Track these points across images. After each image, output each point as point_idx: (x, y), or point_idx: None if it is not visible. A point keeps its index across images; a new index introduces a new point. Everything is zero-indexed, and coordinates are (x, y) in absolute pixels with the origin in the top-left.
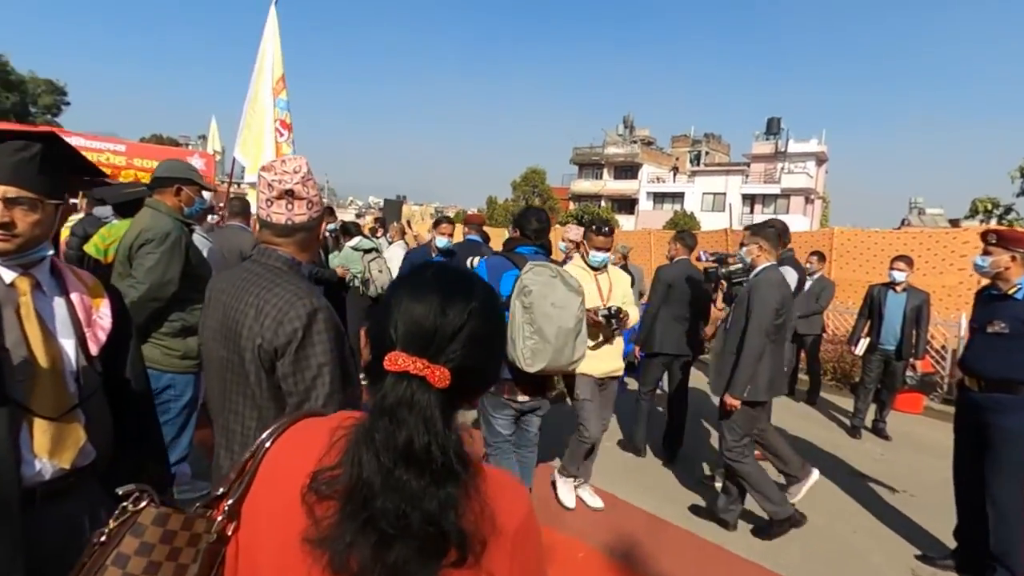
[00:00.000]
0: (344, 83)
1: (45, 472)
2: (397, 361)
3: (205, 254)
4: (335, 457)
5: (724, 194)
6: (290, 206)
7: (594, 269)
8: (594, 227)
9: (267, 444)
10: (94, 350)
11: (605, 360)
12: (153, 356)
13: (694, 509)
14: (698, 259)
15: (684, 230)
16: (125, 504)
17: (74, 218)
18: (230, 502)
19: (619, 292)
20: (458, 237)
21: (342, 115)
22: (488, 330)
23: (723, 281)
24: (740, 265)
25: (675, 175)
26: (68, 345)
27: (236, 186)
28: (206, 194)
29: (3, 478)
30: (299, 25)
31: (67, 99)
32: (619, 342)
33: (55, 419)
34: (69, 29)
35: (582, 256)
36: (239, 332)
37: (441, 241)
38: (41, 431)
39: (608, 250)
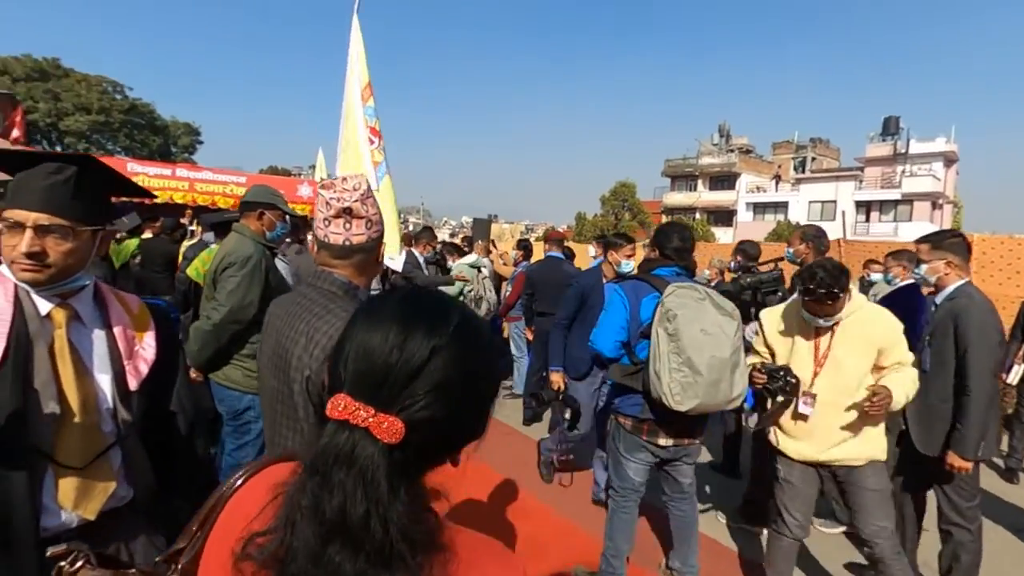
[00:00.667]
0: (437, 108)
1: (70, 523)
2: (339, 406)
3: (288, 278)
4: (269, 518)
5: (834, 202)
6: (348, 225)
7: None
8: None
9: (232, 490)
10: (133, 384)
11: (823, 441)
12: (235, 377)
13: None
14: (729, 269)
15: (745, 240)
16: (61, 564)
17: (187, 244)
18: (184, 560)
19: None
20: (539, 254)
21: (436, 137)
22: (462, 372)
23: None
24: (769, 273)
25: (777, 184)
26: (104, 381)
27: None
28: (289, 218)
29: (19, 533)
30: (392, 52)
31: (201, 138)
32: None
33: (81, 468)
34: (205, 76)
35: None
36: (289, 361)
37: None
38: (66, 481)
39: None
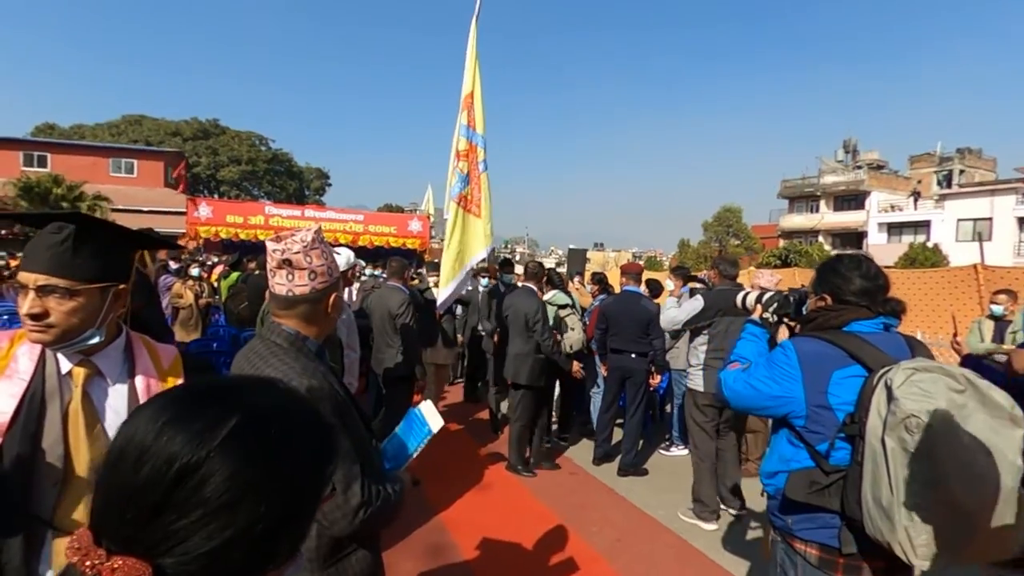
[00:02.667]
0: (542, 137)
1: None
2: (73, 546)
3: (345, 316)
4: None
5: (990, 219)
6: (290, 276)
7: None
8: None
9: None
10: None
11: None
12: None
13: None
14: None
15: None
16: None
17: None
18: None
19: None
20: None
21: (541, 167)
22: (236, 494)
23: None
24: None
25: (916, 201)
26: None
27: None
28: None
29: None
30: (502, 88)
31: (329, 181)
32: None
33: None
34: (334, 123)
35: None
36: None
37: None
38: (63, 543)
39: None
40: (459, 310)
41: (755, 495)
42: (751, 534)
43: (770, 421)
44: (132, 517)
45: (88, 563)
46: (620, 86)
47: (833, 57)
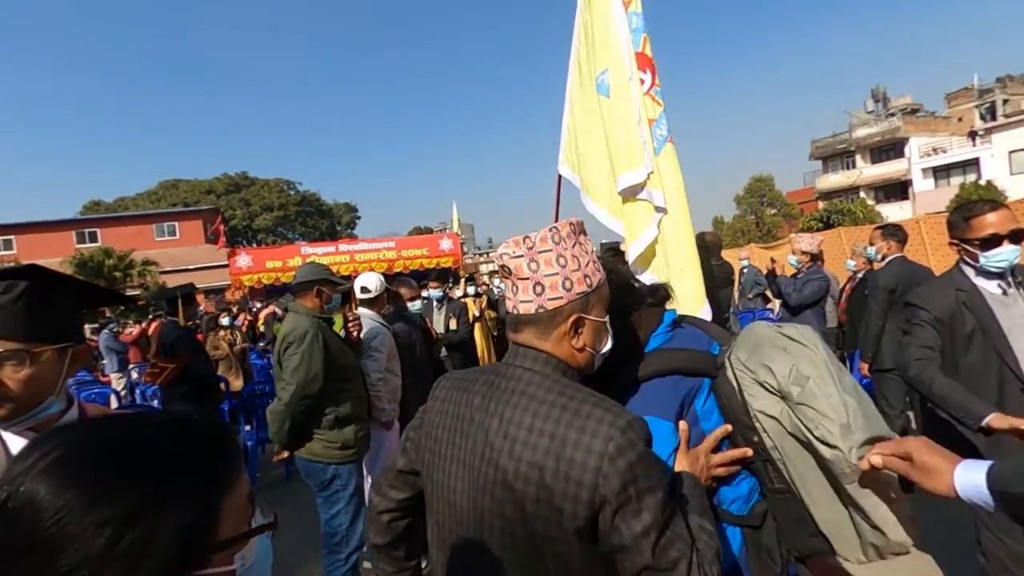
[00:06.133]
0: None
1: None
2: None
3: (380, 340)
4: None
5: None
6: (514, 289)
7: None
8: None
9: None
10: None
11: None
12: (316, 450)
13: None
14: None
15: (890, 223)
16: None
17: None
18: None
19: None
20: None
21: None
22: (51, 517)
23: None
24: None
25: (975, 139)
26: None
27: (477, 256)
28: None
29: None
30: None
31: (358, 214)
32: None
33: None
34: (356, 155)
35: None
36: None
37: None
38: None
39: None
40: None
41: None
42: None
43: None
44: None
45: None
46: None
47: (844, 3)
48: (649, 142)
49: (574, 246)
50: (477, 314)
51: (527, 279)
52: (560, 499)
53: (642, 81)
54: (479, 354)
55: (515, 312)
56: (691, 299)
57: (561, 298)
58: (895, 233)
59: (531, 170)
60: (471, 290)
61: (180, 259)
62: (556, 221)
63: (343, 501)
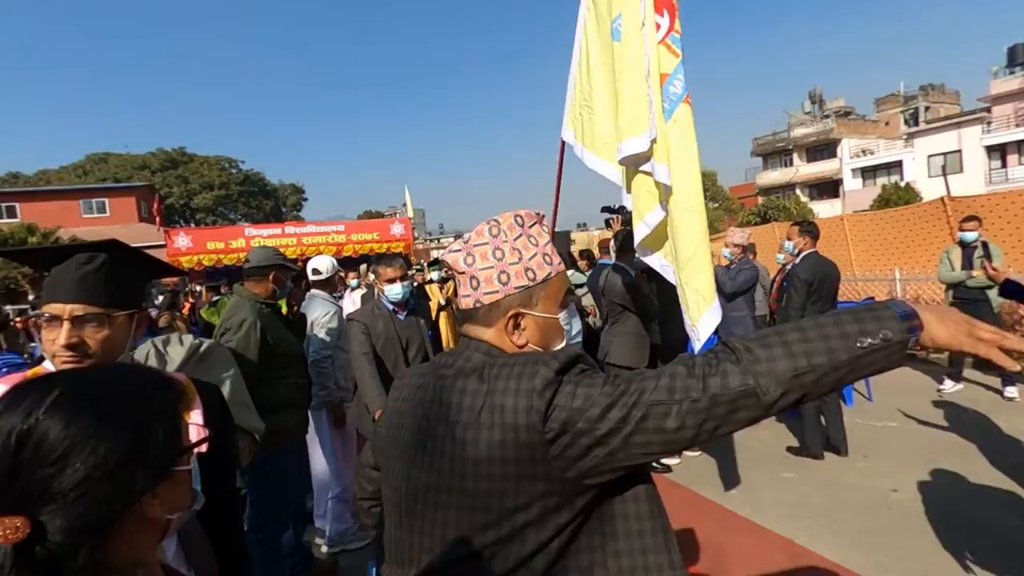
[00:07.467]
0: (509, 117)
1: None
2: None
3: (330, 317)
4: None
5: (959, 151)
6: (460, 284)
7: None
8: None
9: None
10: None
11: None
12: None
13: None
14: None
15: (806, 220)
16: None
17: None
18: None
19: None
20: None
21: (514, 149)
22: (72, 441)
23: None
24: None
25: (909, 141)
26: None
27: (430, 241)
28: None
29: None
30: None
31: (305, 196)
32: None
33: None
34: (302, 136)
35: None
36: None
37: (393, 291)
38: None
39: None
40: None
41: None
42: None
43: None
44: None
45: None
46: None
47: (788, 7)
48: (657, 102)
49: (517, 239)
50: (443, 302)
51: (463, 273)
52: (500, 449)
53: (657, 26)
54: (444, 345)
55: (458, 307)
56: (697, 293)
57: (497, 292)
58: (810, 230)
59: (487, 155)
60: (434, 275)
61: (111, 237)
62: (558, 190)
63: (266, 486)
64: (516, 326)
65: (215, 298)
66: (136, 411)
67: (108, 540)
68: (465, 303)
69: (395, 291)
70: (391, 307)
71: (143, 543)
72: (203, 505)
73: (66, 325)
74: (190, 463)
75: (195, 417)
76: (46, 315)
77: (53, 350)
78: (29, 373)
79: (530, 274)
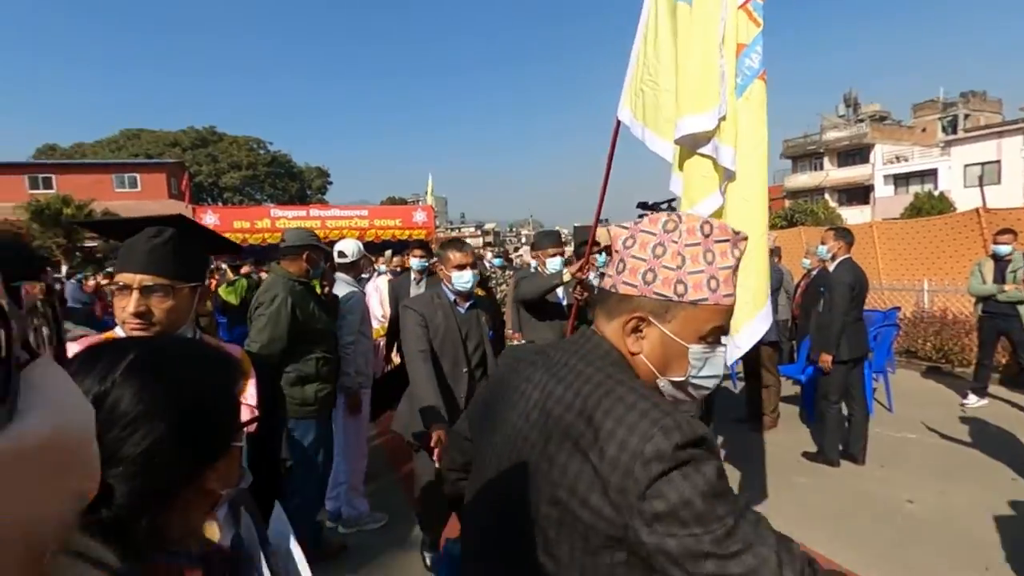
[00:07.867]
0: (540, 117)
1: None
2: None
3: (345, 298)
4: None
5: (998, 162)
6: (621, 265)
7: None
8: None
9: None
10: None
11: None
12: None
13: None
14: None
15: (839, 226)
16: None
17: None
18: None
19: None
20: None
21: (540, 148)
22: (139, 412)
23: None
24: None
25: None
26: None
27: (449, 231)
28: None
29: None
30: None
31: (330, 179)
32: None
33: None
34: (330, 119)
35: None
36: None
37: (462, 279)
38: None
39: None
40: None
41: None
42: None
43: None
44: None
45: None
46: (613, 58)
47: (828, 7)
48: (731, 76)
49: (689, 245)
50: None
51: (618, 252)
52: (587, 489)
53: None
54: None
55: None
56: (748, 293)
57: (635, 287)
58: (845, 235)
59: (510, 148)
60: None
61: (141, 212)
62: (608, 171)
63: (299, 454)
64: (636, 330)
65: (234, 278)
66: (204, 383)
67: (169, 509)
68: (607, 282)
69: (464, 279)
70: (452, 297)
71: (197, 515)
72: (255, 474)
73: (135, 294)
74: (242, 439)
75: (250, 390)
76: (119, 284)
77: (123, 317)
78: (103, 336)
79: (680, 288)
